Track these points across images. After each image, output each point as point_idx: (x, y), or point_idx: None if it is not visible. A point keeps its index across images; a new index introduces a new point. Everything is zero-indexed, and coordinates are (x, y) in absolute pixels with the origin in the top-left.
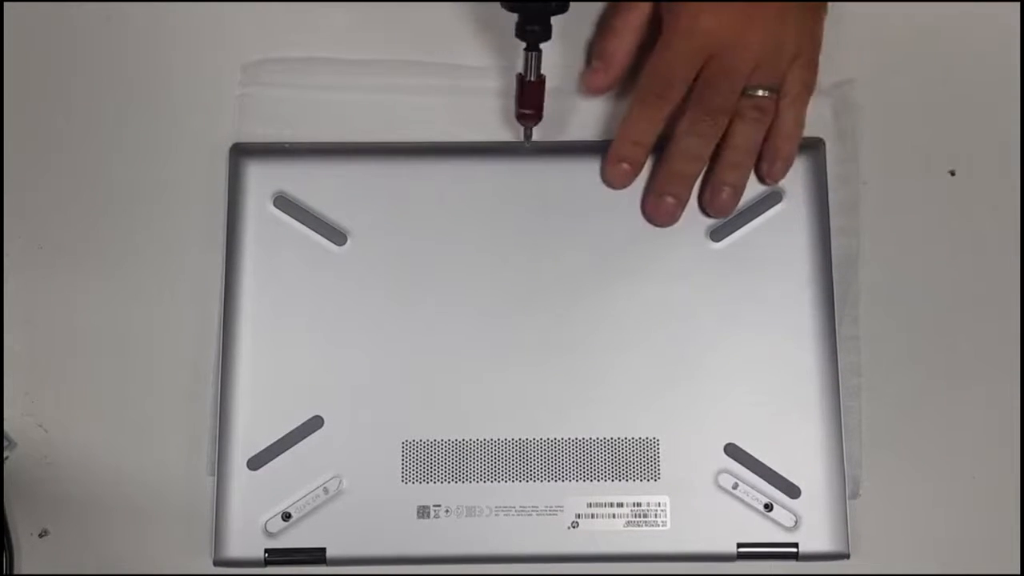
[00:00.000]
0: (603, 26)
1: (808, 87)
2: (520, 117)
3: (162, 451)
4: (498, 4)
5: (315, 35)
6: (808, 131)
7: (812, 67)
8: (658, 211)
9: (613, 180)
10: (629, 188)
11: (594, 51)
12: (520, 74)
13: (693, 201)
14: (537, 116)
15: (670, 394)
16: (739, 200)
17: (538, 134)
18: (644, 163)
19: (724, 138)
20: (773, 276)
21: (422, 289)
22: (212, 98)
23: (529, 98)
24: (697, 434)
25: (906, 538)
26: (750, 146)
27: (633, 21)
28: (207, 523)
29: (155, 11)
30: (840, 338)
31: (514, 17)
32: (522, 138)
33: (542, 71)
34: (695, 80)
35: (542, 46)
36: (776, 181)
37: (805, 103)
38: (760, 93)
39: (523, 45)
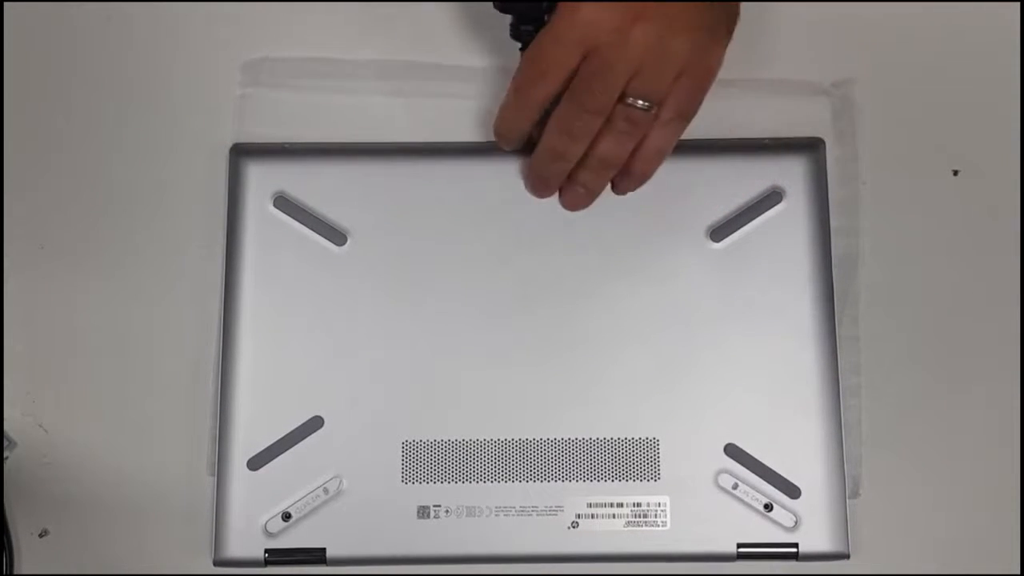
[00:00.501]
0: None
1: (685, 114)
2: None
3: (162, 451)
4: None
5: (315, 35)
6: (808, 131)
7: (696, 92)
8: (536, 193)
9: (503, 145)
10: (637, 191)
11: None
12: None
13: (690, 201)
14: None
15: (670, 394)
16: (592, 200)
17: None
18: (520, 144)
19: (592, 140)
20: (773, 276)
21: (422, 289)
22: (212, 98)
23: None
24: (697, 434)
25: (906, 538)
26: (611, 158)
27: None
28: (207, 523)
29: (155, 11)
30: (840, 338)
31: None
32: None
33: None
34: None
35: None
36: (623, 194)
37: (678, 131)
38: (638, 104)
39: (518, 46)
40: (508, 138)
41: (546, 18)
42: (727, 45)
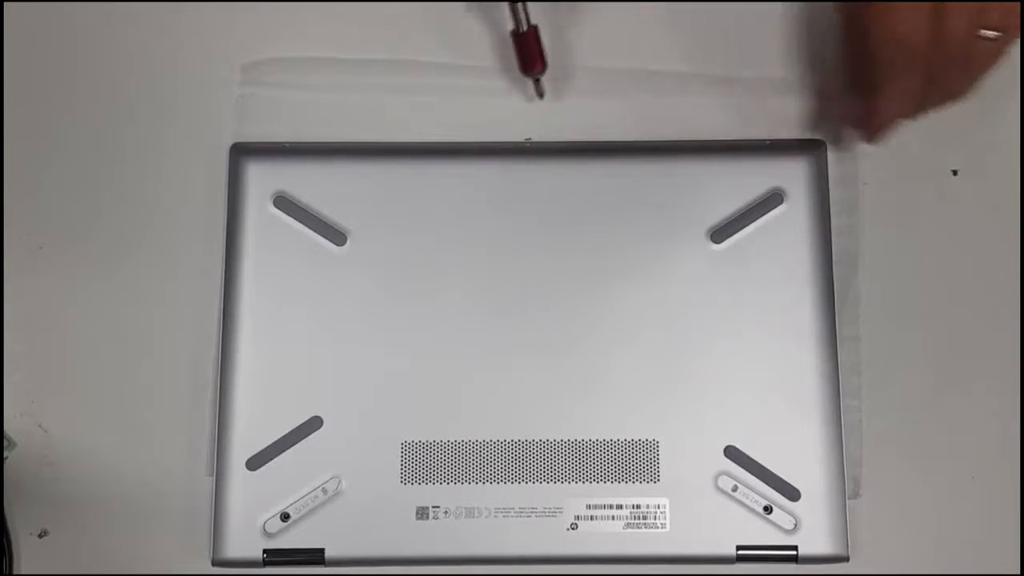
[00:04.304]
0: None
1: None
2: (526, 70)
3: (162, 451)
4: (495, 4)
5: (315, 35)
6: (809, 132)
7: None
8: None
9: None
10: (629, 188)
11: None
12: (513, 30)
13: (691, 202)
14: (542, 65)
15: (670, 396)
16: None
17: (538, 135)
18: None
19: None
20: (774, 277)
21: (422, 289)
22: (212, 98)
23: (529, 49)
24: (697, 436)
25: (906, 539)
26: None
27: None
28: (206, 523)
29: (155, 11)
30: (840, 338)
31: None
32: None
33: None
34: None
35: None
36: None
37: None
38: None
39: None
40: None
41: None
42: None
